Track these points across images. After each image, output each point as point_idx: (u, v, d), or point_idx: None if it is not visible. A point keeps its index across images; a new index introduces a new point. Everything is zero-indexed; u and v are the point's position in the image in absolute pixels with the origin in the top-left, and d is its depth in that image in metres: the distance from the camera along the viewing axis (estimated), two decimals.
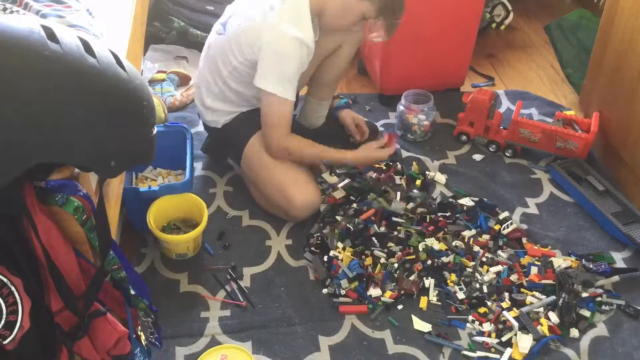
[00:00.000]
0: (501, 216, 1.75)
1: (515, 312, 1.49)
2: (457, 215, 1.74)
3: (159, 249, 1.64)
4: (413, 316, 1.50)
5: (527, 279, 1.57)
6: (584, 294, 1.52)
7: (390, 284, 1.56)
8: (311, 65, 1.70)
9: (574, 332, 1.47)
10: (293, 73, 1.56)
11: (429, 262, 1.59)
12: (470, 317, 1.50)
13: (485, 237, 1.69)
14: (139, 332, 1.14)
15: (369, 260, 1.60)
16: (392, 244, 1.64)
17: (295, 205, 1.65)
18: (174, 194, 1.61)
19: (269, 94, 1.57)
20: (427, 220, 1.72)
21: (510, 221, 1.72)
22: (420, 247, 1.63)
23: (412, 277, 1.56)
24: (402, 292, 1.54)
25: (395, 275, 1.57)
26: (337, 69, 1.86)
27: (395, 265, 1.59)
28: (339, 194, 1.78)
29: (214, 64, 1.68)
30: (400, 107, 2.01)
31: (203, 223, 1.57)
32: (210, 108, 1.73)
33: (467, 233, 1.68)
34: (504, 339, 1.45)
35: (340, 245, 1.64)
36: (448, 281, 1.57)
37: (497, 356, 1.42)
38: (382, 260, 1.60)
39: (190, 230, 1.58)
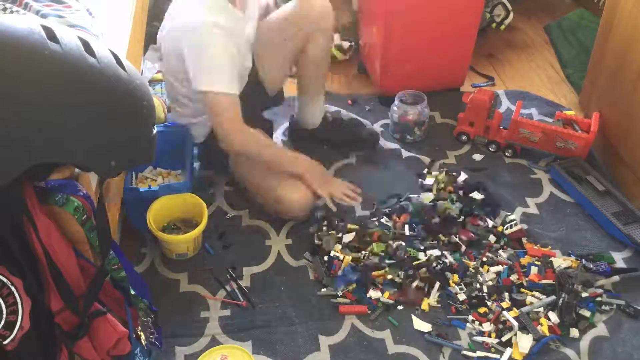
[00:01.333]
0: (507, 218, 1.74)
1: (515, 312, 1.49)
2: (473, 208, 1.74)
3: (159, 249, 1.64)
4: (413, 316, 1.50)
5: (527, 279, 1.57)
6: (584, 294, 1.52)
7: (392, 289, 1.55)
8: (284, 60, 1.70)
9: (574, 332, 1.47)
10: (220, 62, 1.46)
11: (435, 264, 1.58)
12: (470, 317, 1.50)
13: (492, 238, 1.68)
14: (139, 332, 1.14)
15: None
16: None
17: (291, 208, 1.65)
18: (174, 194, 1.61)
19: (205, 93, 1.48)
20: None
21: (514, 221, 1.72)
22: (421, 255, 1.60)
23: (415, 283, 1.55)
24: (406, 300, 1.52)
25: (398, 280, 1.56)
26: (315, 62, 1.80)
27: (400, 273, 1.56)
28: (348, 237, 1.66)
29: (170, 83, 1.69)
30: (394, 109, 2.01)
31: (203, 223, 1.57)
32: (189, 123, 1.72)
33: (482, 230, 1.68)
34: (504, 339, 1.45)
35: (339, 247, 1.63)
36: (450, 281, 1.56)
37: (497, 356, 1.42)
38: (388, 276, 1.56)
39: (190, 230, 1.58)
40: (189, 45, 1.47)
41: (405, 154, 1.99)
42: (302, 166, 1.63)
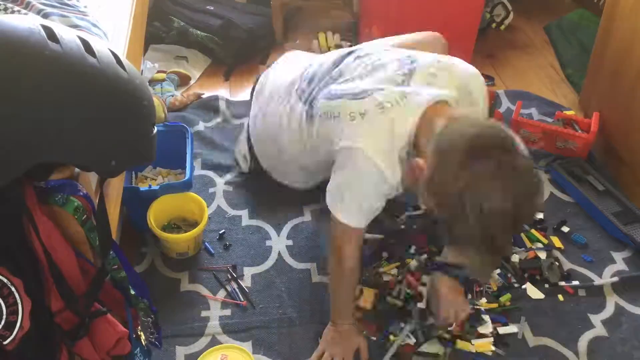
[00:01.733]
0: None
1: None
2: None
3: (160, 248, 1.64)
4: None
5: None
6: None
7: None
8: None
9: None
10: (365, 204, 1.28)
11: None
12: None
13: None
14: (139, 332, 1.14)
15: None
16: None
17: None
18: (174, 193, 1.61)
19: (338, 222, 1.29)
20: None
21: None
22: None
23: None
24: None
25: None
26: None
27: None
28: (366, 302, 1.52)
29: (278, 132, 1.49)
30: None
31: (203, 222, 1.57)
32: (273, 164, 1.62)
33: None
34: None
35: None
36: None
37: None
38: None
39: (190, 229, 1.58)
40: (347, 169, 1.25)
41: None
42: (339, 332, 1.41)
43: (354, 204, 1.28)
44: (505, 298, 1.53)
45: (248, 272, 1.61)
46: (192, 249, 1.63)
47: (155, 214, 1.58)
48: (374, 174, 1.22)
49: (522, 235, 1.68)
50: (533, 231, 1.69)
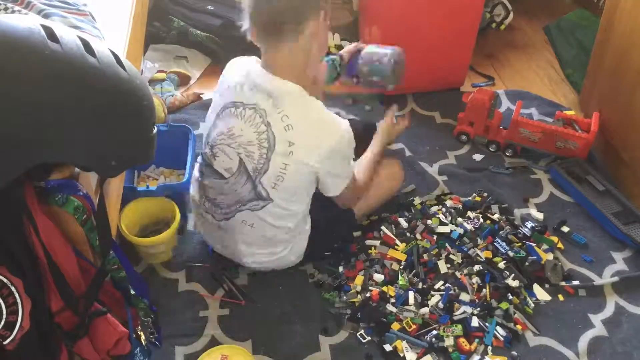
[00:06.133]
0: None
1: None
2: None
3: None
4: None
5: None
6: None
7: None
8: None
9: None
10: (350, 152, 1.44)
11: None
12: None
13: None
14: (139, 332, 1.14)
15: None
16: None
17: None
18: (141, 199, 1.59)
19: (351, 184, 1.48)
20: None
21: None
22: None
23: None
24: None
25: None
26: None
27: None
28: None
29: (267, 229, 1.46)
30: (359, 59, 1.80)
31: (176, 222, 1.55)
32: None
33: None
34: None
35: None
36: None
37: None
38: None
39: (165, 228, 1.56)
40: (336, 148, 1.38)
41: (397, 145, 1.99)
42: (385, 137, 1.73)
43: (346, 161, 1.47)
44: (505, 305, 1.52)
45: (246, 271, 1.60)
46: (176, 241, 1.62)
47: (129, 221, 1.54)
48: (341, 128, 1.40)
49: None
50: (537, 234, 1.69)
